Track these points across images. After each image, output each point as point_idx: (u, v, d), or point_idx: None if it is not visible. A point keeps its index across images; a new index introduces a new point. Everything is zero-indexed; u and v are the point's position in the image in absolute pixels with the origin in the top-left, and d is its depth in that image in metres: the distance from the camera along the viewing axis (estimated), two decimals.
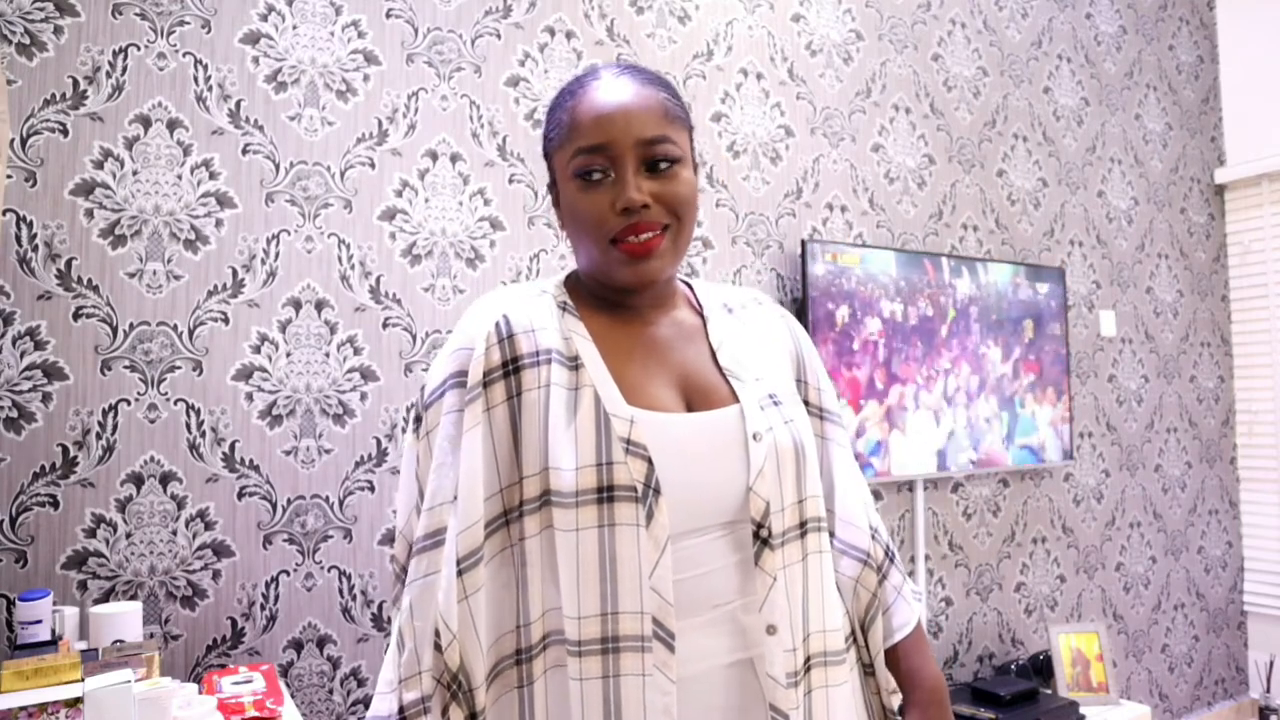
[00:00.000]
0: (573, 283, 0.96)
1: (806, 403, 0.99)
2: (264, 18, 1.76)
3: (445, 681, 0.80)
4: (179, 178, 1.66)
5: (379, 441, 1.82)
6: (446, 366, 0.87)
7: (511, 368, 0.86)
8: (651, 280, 0.88)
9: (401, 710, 0.80)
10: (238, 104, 1.72)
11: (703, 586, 0.83)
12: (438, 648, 0.80)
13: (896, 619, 0.98)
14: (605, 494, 0.80)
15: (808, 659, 0.87)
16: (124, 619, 1.40)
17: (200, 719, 1.21)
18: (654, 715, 0.79)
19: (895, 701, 0.96)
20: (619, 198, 0.84)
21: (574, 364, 0.86)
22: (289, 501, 1.72)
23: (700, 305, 0.99)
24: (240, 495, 1.68)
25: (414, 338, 1.87)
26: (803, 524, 0.89)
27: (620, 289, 0.91)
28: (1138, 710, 2.62)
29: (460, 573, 0.80)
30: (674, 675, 0.80)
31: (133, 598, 1.57)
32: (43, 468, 1.52)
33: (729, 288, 1.05)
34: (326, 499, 1.76)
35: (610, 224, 0.85)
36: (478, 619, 0.80)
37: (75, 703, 1.17)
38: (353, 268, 1.81)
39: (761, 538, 0.84)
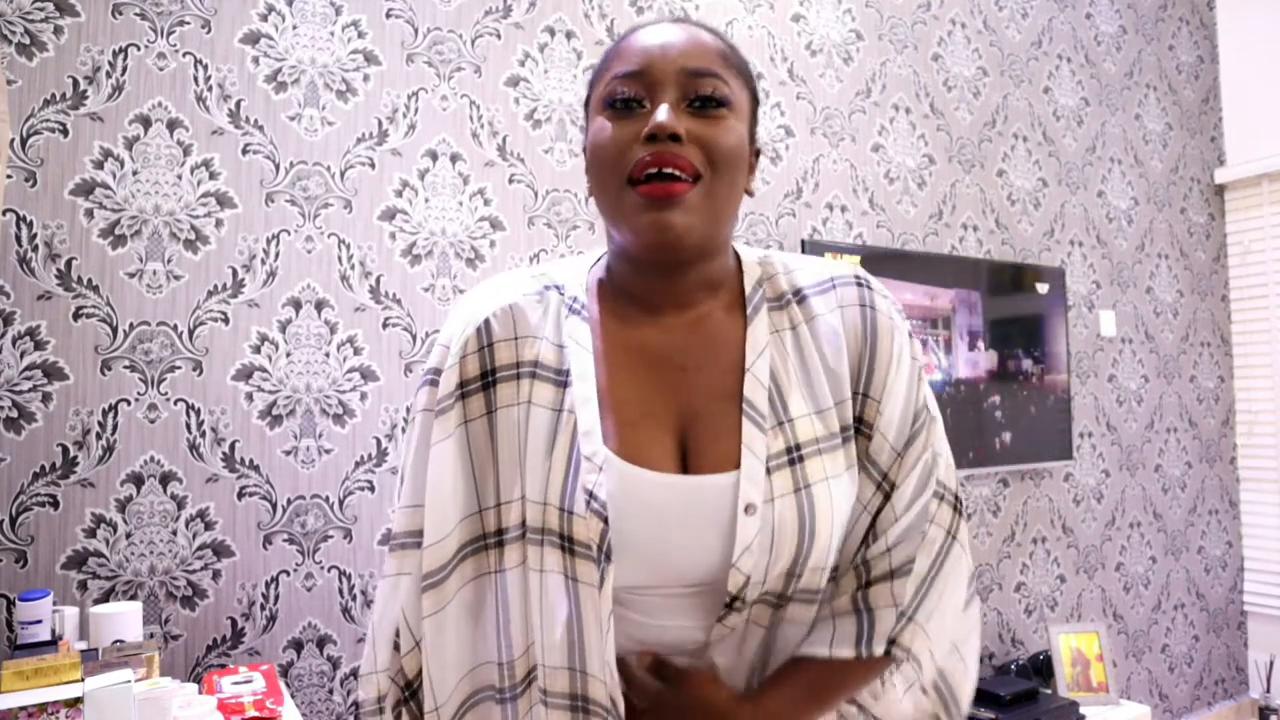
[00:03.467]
0: (600, 270, 0.83)
1: (859, 423, 0.77)
2: (264, 18, 1.76)
3: (400, 684, 0.76)
4: (179, 178, 1.66)
5: (379, 441, 1.82)
6: (430, 358, 0.80)
7: (490, 379, 0.76)
8: (674, 239, 0.71)
9: (357, 706, 0.79)
10: (238, 104, 1.72)
11: (651, 636, 0.74)
12: (396, 648, 0.76)
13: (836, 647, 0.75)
14: (567, 543, 0.71)
15: None
16: (124, 619, 1.40)
17: (200, 719, 1.21)
18: None
19: None
20: (648, 125, 0.70)
21: (562, 380, 0.75)
22: (289, 501, 1.72)
23: (746, 295, 0.79)
24: (240, 495, 1.68)
25: (414, 338, 1.87)
26: (782, 596, 0.74)
27: (642, 258, 0.75)
28: (1138, 710, 2.62)
29: (426, 588, 0.73)
30: None
31: (133, 598, 1.57)
32: (43, 468, 1.52)
33: (804, 263, 0.83)
34: (326, 499, 1.76)
35: (631, 155, 0.71)
36: (444, 637, 0.74)
37: (75, 703, 1.17)
38: (353, 268, 1.81)
39: (735, 608, 0.72)
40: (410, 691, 0.76)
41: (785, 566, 0.72)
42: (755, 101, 0.79)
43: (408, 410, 1.84)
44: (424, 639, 0.74)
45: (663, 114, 0.70)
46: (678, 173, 0.70)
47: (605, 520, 0.70)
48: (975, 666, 0.80)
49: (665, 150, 0.70)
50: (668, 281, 0.77)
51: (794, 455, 0.73)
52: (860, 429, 0.77)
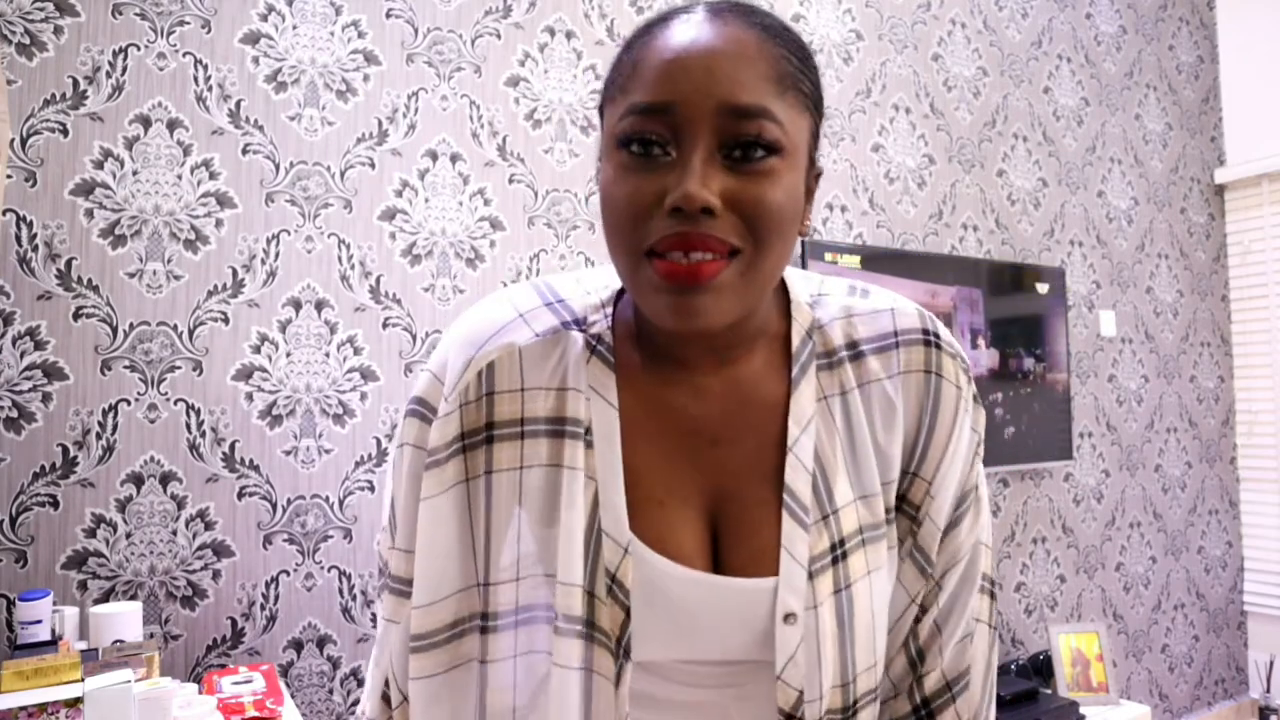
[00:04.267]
0: (627, 305, 0.69)
1: (902, 501, 0.68)
2: (264, 18, 1.76)
3: None
4: (179, 178, 1.66)
5: (379, 441, 1.82)
6: (418, 385, 0.68)
7: (491, 435, 0.65)
8: (701, 327, 0.57)
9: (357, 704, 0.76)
10: (238, 104, 1.72)
11: (661, 695, 0.65)
12: (385, 699, 0.69)
13: None
14: (588, 630, 0.61)
15: None
16: (124, 619, 1.40)
17: (200, 719, 1.21)
18: None
19: None
20: (673, 188, 0.55)
21: (580, 437, 0.64)
22: (289, 501, 1.72)
23: (793, 349, 0.67)
24: (240, 495, 1.68)
25: (414, 338, 1.87)
26: (845, 709, 0.64)
27: (676, 343, 0.64)
28: (1138, 710, 2.62)
29: (414, 650, 0.65)
30: None
31: (133, 598, 1.57)
32: (43, 468, 1.52)
33: (865, 304, 0.69)
34: (326, 499, 1.76)
35: (651, 226, 0.56)
36: (434, 708, 0.65)
37: (75, 703, 1.17)
38: (353, 268, 1.81)
39: None
40: None
41: (835, 680, 0.63)
42: (819, 117, 0.63)
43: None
44: (411, 699, 0.66)
45: (692, 181, 0.54)
46: (708, 256, 0.55)
47: (627, 611, 0.61)
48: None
49: (693, 231, 0.55)
50: (699, 339, 0.64)
51: (837, 554, 0.64)
52: (904, 508, 0.68)
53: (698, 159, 0.55)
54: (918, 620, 0.69)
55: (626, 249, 0.58)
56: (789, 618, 0.62)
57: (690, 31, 0.57)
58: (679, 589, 0.62)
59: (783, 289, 0.69)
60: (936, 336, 0.68)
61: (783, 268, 0.61)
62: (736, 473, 0.64)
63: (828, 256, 2.33)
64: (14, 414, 1.50)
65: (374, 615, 1.79)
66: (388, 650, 0.68)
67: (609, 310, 0.68)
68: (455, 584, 0.65)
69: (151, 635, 1.57)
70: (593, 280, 0.70)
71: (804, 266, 2.28)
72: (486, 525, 0.64)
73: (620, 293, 0.69)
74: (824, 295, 0.69)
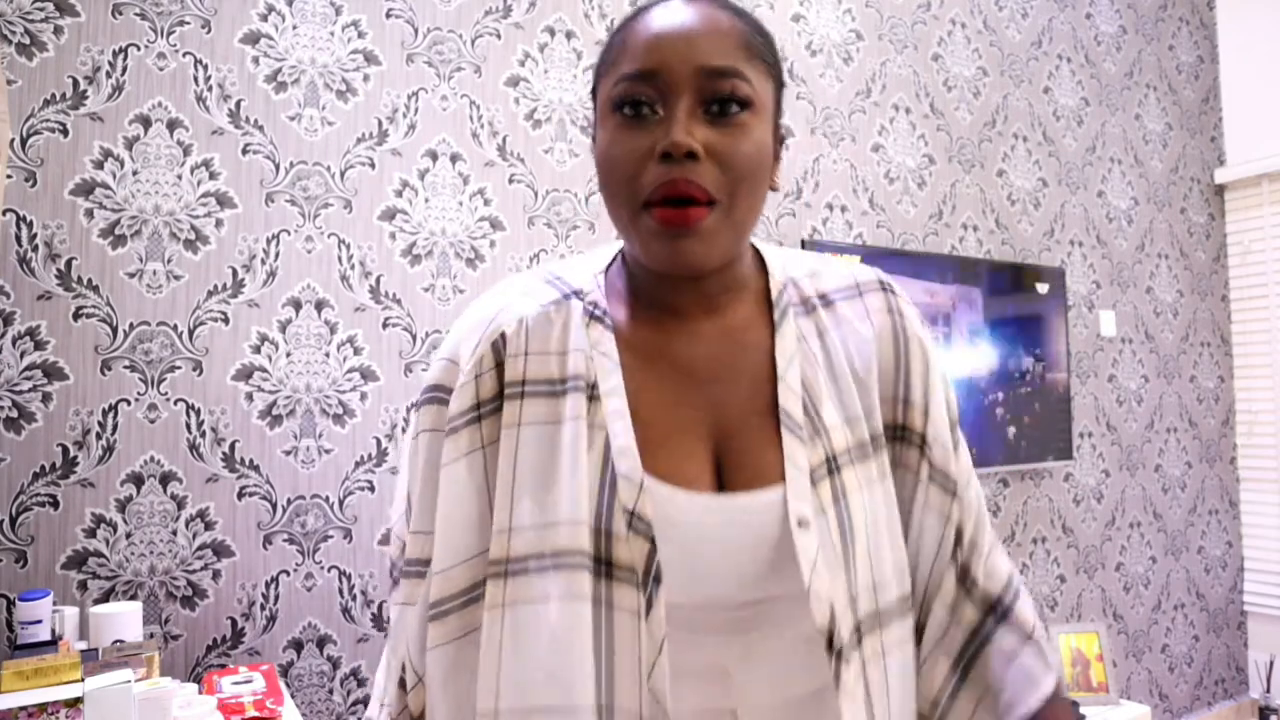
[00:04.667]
0: (617, 271, 0.77)
1: (902, 429, 0.74)
2: (264, 18, 1.76)
3: None
4: (179, 178, 1.66)
5: (379, 441, 1.82)
6: (431, 373, 0.74)
7: (503, 399, 0.70)
8: (694, 268, 0.66)
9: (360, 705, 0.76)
10: (238, 104, 1.72)
11: (678, 653, 0.67)
12: (402, 685, 0.71)
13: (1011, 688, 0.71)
14: (604, 567, 0.66)
15: None
16: (124, 619, 1.40)
17: (200, 719, 1.21)
18: None
19: None
20: (662, 139, 0.64)
21: (587, 393, 0.69)
22: (289, 501, 1.72)
23: (772, 301, 0.75)
24: (240, 495, 1.68)
25: (414, 338, 1.87)
26: (877, 614, 0.69)
27: (659, 274, 0.71)
28: (1138, 710, 2.62)
29: (432, 618, 0.68)
30: None
31: (133, 598, 1.57)
32: (43, 468, 1.52)
33: (826, 266, 0.79)
34: (326, 499, 1.76)
35: (646, 176, 0.65)
36: (452, 673, 0.68)
37: (75, 703, 1.17)
38: (353, 268, 1.82)
39: (835, 649, 0.65)
40: None
41: (862, 583, 0.68)
42: (780, 87, 0.72)
43: (408, 411, 1.84)
44: (427, 674, 0.68)
45: (678, 130, 0.64)
46: (694, 199, 0.65)
47: (652, 540, 0.65)
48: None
49: (681, 175, 0.64)
50: (691, 284, 0.72)
51: (832, 466, 0.70)
52: (907, 438, 0.74)
53: (682, 112, 0.65)
54: (957, 542, 0.73)
55: (626, 201, 0.67)
56: (802, 523, 0.66)
57: (671, 14, 0.67)
58: (694, 516, 0.67)
59: (758, 255, 0.78)
60: (892, 287, 0.78)
61: (757, 215, 0.70)
62: (734, 406, 0.71)
63: (828, 256, 2.33)
64: (14, 414, 1.50)
65: (375, 616, 1.79)
66: (403, 636, 0.71)
67: (601, 279, 0.75)
68: (473, 548, 0.69)
69: (151, 635, 1.57)
70: (584, 259, 0.79)
71: None
72: (511, 480, 0.68)
73: (610, 264, 0.77)
74: (791, 260, 0.79)
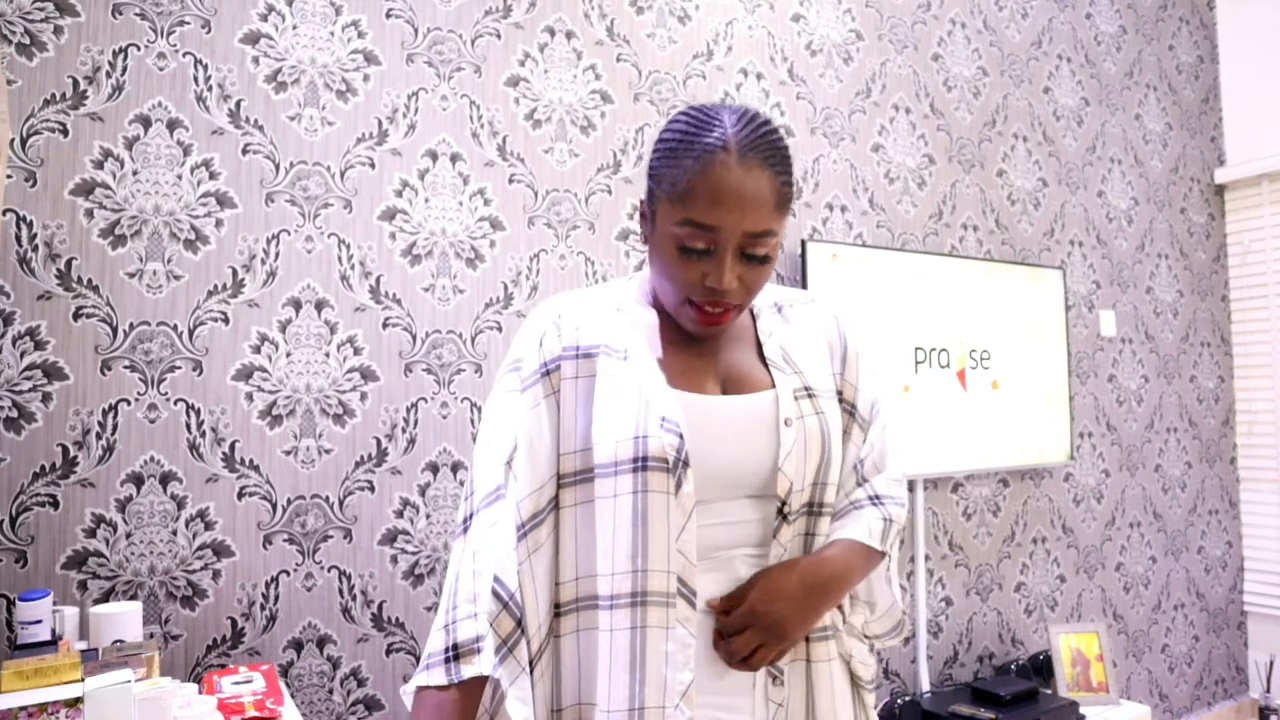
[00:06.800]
0: (649, 292, 1.04)
1: (841, 397, 1.05)
2: (264, 18, 1.76)
3: (501, 633, 0.86)
4: (179, 178, 1.66)
5: (379, 441, 1.82)
6: (512, 353, 0.99)
7: (559, 362, 0.96)
8: (714, 336, 1.00)
9: (455, 646, 0.85)
10: (238, 104, 1.72)
11: (715, 536, 0.93)
12: (497, 597, 0.86)
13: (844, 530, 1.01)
14: (640, 464, 0.89)
15: None
16: (124, 619, 1.40)
17: (200, 719, 1.21)
18: (675, 666, 0.87)
19: (862, 672, 1.02)
20: (711, 276, 0.90)
21: (624, 355, 0.95)
22: (289, 501, 1.72)
23: (753, 305, 1.07)
24: (240, 495, 1.68)
25: (414, 338, 1.87)
26: (811, 504, 0.97)
27: None
28: (1138, 710, 2.62)
29: (525, 535, 0.89)
30: (695, 630, 0.89)
31: (133, 598, 1.57)
32: (43, 468, 1.52)
33: (784, 289, 1.12)
34: (326, 499, 1.76)
35: (694, 291, 0.92)
36: (537, 579, 0.89)
37: (75, 703, 1.17)
38: (353, 268, 1.82)
39: (783, 513, 0.94)
40: (513, 635, 0.87)
41: (813, 476, 0.96)
42: (791, 206, 0.98)
43: (410, 409, 1.84)
44: (522, 585, 0.88)
45: (727, 278, 0.90)
46: (725, 309, 0.93)
47: (680, 435, 0.90)
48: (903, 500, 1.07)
49: (721, 302, 0.92)
50: None
51: (809, 391, 0.99)
52: (843, 404, 1.05)
53: (728, 261, 0.90)
54: (860, 462, 1.05)
55: (675, 293, 0.94)
56: (788, 421, 0.96)
57: (733, 179, 0.89)
58: (711, 409, 0.94)
59: None
60: (832, 306, 1.11)
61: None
62: (734, 361, 1.01)
63: (829, 256, 2.33)
64: (14, 414, 1.50)
65: (374, 616, 1.79)
66: (498, 552, 0.89)
67: (641, 289, 1.04)
68: (550, 467, 0.93)
69: (151, 635, 1.57)
70: (617, 283, 1.07)
71: (803, 266, 2.28)
72: (568, 418, 0.94)
73: (643, 285, 1.05)
74: (764, 291, 1.10)
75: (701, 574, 0.92)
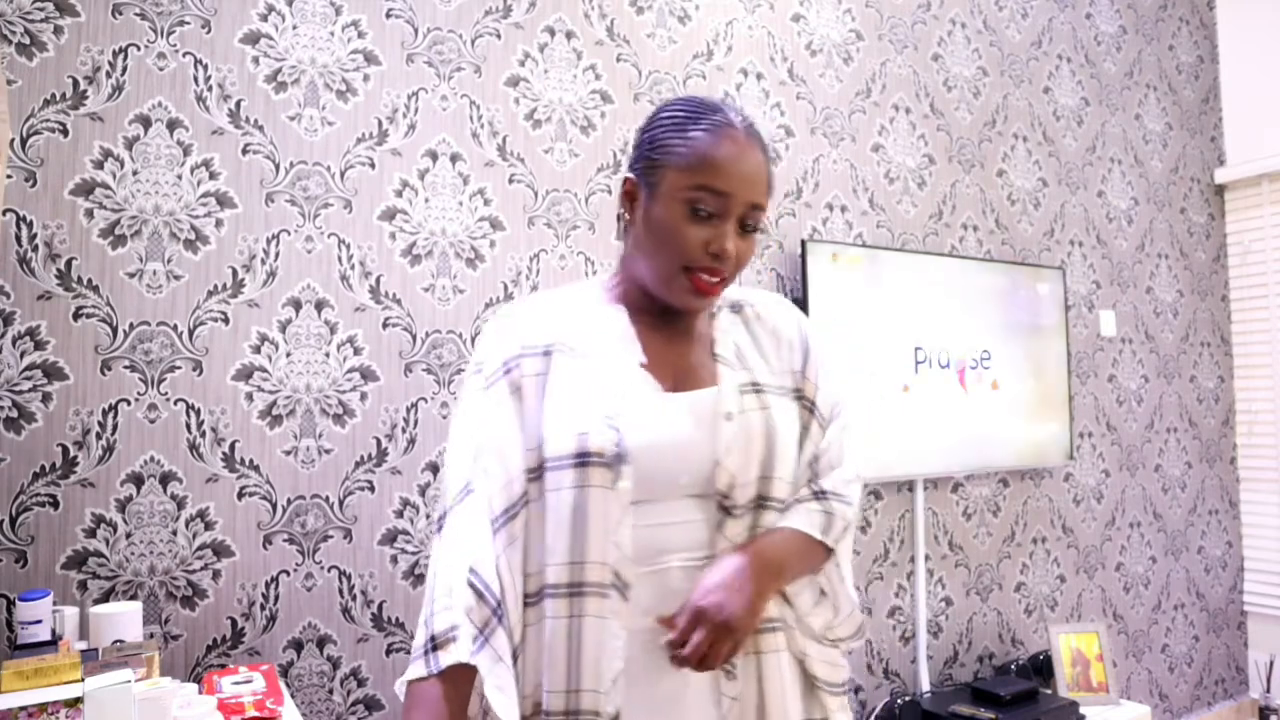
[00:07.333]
0: (614, 288, 1.08)
1: (801, 394, 1.07)
2: (264, 18, 1.76)
3: (476, 622, 0.89)
4: (179, 178, 1.66)
5: (379, 441, 1.82)
6: (477, 354, 1.03)
7: (522, 358, 1.00)
8: (699, 311, 1.04)
9: (433, 639, 0.87)
10: (238, 104, 1.72)
11: (655, 537, 0.95)
12: (472, 587, 0.89)
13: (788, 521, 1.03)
14: (582, 459, 0.93)
15: None
16: (124, 619, 1.40)
17: (200, 719, 1.21)
18: (608, 657, 0.91)
19: (826, 673, 1.04)
20: (715, 241, 0.96)
21: (581, 353, 0.99)
22: (289, 501, 1.72)
23: (713, 311, 1.11)
24: (240, 495, 1.68)
25: (414, 338, 1.87)
26: (759, 499, 0.99)
27: (667, 304, 1.02)
28: (1138, 710, 2.62)
29: (500, 528, 0.93)
30: (624, 623, 0.92)
31: (133, 598, 1.57)
32: (43, 468, 1.52)
33: (745, 289, 1.14)
34: (326, 499, 1.76)
35: (695, 256, 0.96)
36: (514, 571, 0.93)
37: (75, 703, 1.17)
38: (353, 268, 1.81)
39: (725, 508, 0.97)
40: (489, 622, 0.90)
41: (758, 470, 0.98)
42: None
43: (410, 409, 1.84)
44: (502, 574, 0.92)
45: (730, 243, 0.96)
46: (719, 280, 0.98)
47: (617, 430, 0.93)
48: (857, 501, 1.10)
49: (721, 268, 0.97)
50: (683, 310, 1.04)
51: (757, 387, 1.03)
52: (803, 401, 1.07)
53: (731, 227, 0.97)
54: (816, 459, 1.07)
55: (673, 260, 0.97)
56: (728, 416, 0.99)
57: (741, 153, 0.97)
58: (653, 405, 0.98)
59: None
60: (795, 306, 1.15)
61: None
62: (688, 357, 1.04)
63: (830, 255, 2.33)
64: (14, 414, 1.50)
65: (374, 616, 1.79)
66: (470, 544, 0.92)
67: (601, 292, 1.08)
68: (519, 460, 0.96)
69: (151, 635, 1.57)
70: (575, 285, 1.11)
71: (803, 266, 2.29)
72: (530, 413, 0.98)
73: (607, 285, 1.09)
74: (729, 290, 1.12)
75: (639, 579, 0.94)
